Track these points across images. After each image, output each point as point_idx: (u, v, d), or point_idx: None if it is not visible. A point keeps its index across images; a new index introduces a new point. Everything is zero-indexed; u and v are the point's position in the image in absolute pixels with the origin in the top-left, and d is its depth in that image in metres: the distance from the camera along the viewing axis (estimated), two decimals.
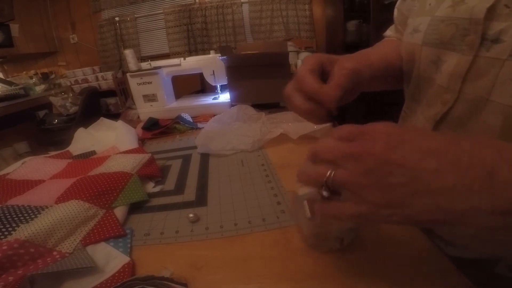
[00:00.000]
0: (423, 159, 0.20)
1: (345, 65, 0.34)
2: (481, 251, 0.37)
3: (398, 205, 0.21)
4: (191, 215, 0.43)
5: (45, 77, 2.92)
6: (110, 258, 0.37)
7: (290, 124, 0.73)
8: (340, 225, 0.31)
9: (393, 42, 0.51)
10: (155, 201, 0.51)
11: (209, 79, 1.05)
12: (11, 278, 0.31)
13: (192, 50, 3.03)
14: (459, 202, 0.19)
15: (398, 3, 0.51)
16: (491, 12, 0.29)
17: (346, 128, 0.25)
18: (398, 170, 0.20)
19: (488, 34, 0.29)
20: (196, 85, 1.97)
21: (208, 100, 1.09)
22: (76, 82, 2.91)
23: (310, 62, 0.34)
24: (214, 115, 0.84)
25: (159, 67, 1.00)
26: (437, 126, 0.36)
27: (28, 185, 0.55)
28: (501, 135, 0.29)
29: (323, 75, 0.35)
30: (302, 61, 2.60)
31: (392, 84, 0.50)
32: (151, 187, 0.55)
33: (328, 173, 0.23)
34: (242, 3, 2.88)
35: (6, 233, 0.37)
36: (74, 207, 0.43)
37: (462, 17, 0.32)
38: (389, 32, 0.56)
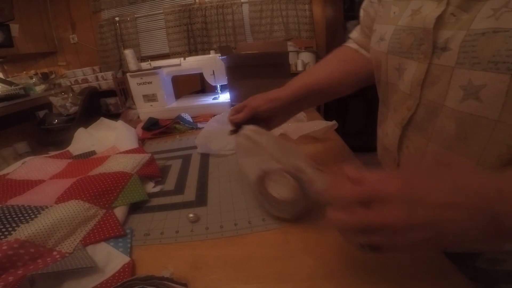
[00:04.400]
0: (439, 212, 0.22)
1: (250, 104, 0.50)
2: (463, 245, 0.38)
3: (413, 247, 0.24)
4: (191, 215, 0.43)
5: (45, 77, 2.92)
6: (110, 258, 0.37)
7: (290, 124, 0.73)
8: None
9: (338, 57, 0.57)
10: (155, 201, 0.51)
11: (209, 79, 1.05)
12: (11, 278, 0.31)
13: (192, 50, 3.03)
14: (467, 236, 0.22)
15: (364, 4, 0.50)
16: (439, 21, 0.30)
17: (356, 190, 0.25)
18: (417, 228, 0.22)
19: (438, 42, 0.31)
20: (196, 85, 1.97)
21: (208, 100, 1.09)
22: (76, 82, 2.90)
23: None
24: (214, 115, 0.84)
25: (159, 67, 1.00)
26: (405, 131, 0.38)
27: (28, 185, 0.55)
28: (456, 138, 0.31)
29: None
30: (301, 61, 2.60)
31: (315, 102, 0.62)
32: (151, 187, 0.55)
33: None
34: (242, 3, 2.88)
35: (6, 233, 0.37)
36: (74, 207, 0.43)
37: (418, 27, 0.33)
38: (355, 33, 0.56)
